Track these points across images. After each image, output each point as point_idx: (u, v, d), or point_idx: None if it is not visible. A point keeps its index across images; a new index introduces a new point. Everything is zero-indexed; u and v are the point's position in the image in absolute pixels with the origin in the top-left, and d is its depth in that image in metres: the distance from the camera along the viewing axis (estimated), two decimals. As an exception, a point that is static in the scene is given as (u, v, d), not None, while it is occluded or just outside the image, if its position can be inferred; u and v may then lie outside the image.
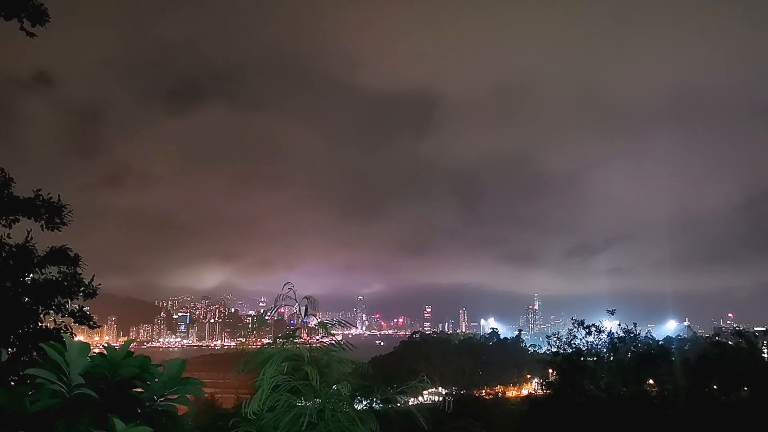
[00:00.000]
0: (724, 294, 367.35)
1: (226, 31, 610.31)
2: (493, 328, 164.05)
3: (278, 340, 7.16)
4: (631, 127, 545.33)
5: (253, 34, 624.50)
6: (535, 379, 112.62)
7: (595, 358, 44.90)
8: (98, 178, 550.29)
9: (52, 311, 14.71)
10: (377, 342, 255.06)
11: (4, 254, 14.23)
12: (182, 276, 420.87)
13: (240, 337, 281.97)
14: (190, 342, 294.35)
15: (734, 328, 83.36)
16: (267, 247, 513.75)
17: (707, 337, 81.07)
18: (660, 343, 48.98)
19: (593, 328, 45.12)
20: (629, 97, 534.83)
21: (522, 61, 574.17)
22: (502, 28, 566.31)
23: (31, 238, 14.49)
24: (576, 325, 45.56)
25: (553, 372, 49.17)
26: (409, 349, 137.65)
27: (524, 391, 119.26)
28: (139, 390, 3.78)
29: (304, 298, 7.17)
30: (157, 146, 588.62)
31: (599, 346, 44.84)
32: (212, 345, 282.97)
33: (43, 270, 14.65)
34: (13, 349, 13.80)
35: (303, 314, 7.20)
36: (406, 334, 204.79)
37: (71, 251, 14.83)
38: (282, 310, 7.79)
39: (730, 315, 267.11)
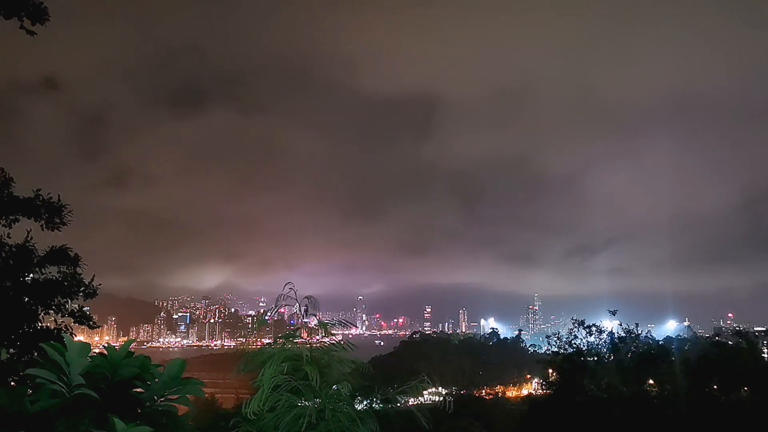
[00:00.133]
0: (724, 294, 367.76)
1: (229, 36, 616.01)
2: (493, 328, 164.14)
3: (278, 340, 7.15)
4: (631, 127, 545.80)
5: (255, 38, 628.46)
6: (535, 379, 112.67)
7: (595, 358, 44.91)
8: (101, 179, 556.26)
9: (52, 311, 14.70)
10: (377, 342, 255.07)
11: (4, 254, 14.23)
12: (183, 276, 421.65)
13: (240, 337, 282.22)
14: (190, 342, 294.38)
15: (734, 328, 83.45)
16: (268, 247, 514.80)
17: (707, 337, 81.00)
18: (660, 343, 48.97)
19: (594, 328, 45.14)
20: (629, 98, 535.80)
21: (522, 62, 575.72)
22: (501, 30, 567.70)
23: (31, 238, 14.49)
24: (576, 325, 45.59)
25: (553, 372, 49.17)
26: (409, 349, 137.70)
27: (524, 391, 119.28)
28: (139, 390, 3.77)
29: (305, 298, 7.18)
30: (160, 148, 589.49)
31: (599, 346, 44.85)
32: (212, 345, 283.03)
33: (43, 270, 14.65)
34: (13, 349, 13.80)
35: (303, 314, 7.20)
36: (406, 334, 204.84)
37: (71, 251, 14.82)
38: (282, 310, 7.79)
39: (730, 315, 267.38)
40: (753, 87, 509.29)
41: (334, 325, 7.47)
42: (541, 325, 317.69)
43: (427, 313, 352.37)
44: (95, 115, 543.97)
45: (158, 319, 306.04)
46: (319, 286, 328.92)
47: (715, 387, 42.73)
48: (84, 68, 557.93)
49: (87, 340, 4.39)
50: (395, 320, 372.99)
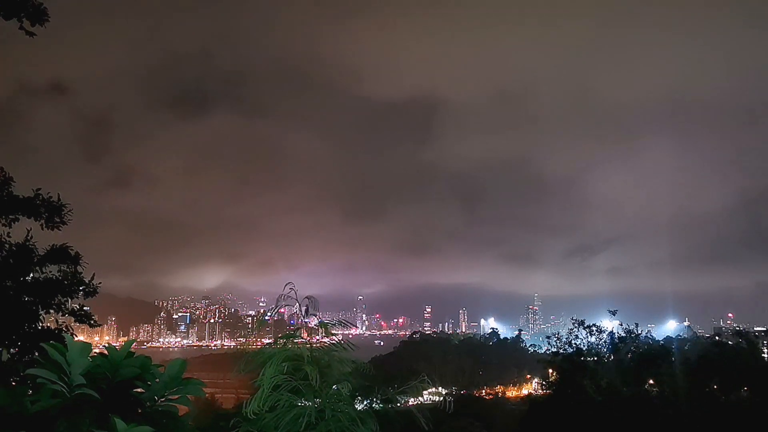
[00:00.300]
0: (724, 294, 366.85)
1: (232, 40, 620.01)
2: (493, 328, 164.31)
3: (279, 341, 7.16)
4: (630, 128, 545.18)
5: (257, 42, 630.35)
6: (535, 379, 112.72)
7: (595, 358, 44.92)
8: (104, 179, 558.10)
9: (52, 310, 14.71)
10: (376, 342, 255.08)
11: (4, 253, 14.23)
12: (184, 276, 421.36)
13: (240, 337, 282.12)
14: (190, 342, 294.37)
15: (734, 328, 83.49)
16: (269, 247, 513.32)
17: (707, 337, 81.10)
18: (660, 343, 49.02)
19: (594, 328, 45.16)
20: (628, 99, 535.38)
21: (522, 65, 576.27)
22: (501, 34, 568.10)
23: (31, 237, 14.49)
24: (576, 325, 45.60)
25: (553, 372, 49.20)
26: (409, 349, 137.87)
27: (524, 391, 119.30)
28: (139, 390, 3.78)
29: (305, 298, 7.18)
30: (163, 149, 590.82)
31: (599, 346, 44.87)
32: (212, 345, 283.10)
33: (43, 269, 14.65)
34: (14, 349, 13.80)
35: (303, 314, 7.20)
36: (406, 334, 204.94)
37: (72, 250, 14.83)
38: (282, 310, 7.80)
39: (730, 315, 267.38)
40: (753, 87, 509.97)
41: (334, 325, 7.47)
42: (541, 325, 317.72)
43: (427, 313, 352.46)
44: (98, 116, 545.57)
45: (158, 319, 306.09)
46: (320, 286, 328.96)
47: (715, 387, 42.74)
48: (87, 71, 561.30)
49: (87, 340, 4.39)
50: (395, 320, 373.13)
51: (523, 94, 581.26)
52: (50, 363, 3.45)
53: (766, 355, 58.37)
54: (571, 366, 43.83)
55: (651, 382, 44.01)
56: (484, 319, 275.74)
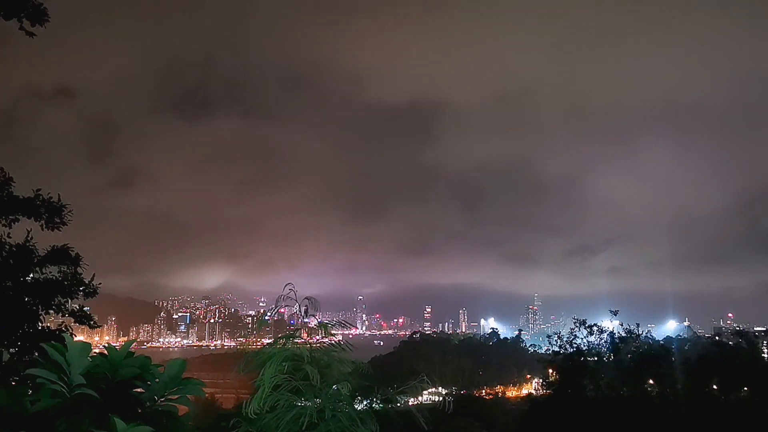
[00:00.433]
0: (724, 294, 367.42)
1: (236, 45, 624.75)
2: (493, 328, 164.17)
3: (279, 341, 7.16)
4: (630, 129, 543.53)
5: (261, 46, 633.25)
6: (535, 379, 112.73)
7: (595, 358, 44.91)
8: (108, 181, 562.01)
9: (52, 311, 14.71)
10: (376, 342, 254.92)
11: (4, 254, 14.23)
12: (185, 276, 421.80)
13: (240, 337, 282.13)
14: (190, 342, 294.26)
15: (734, 328, 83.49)
16: (270, 247, 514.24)
17: (707, 337, 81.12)
18: (660, 343, 49.02)
19: (594, 328, 45.15)
20: (628, 100, 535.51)
21: (521, 68, 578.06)
22: (501, 38, 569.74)
23: (32, 238, 14.49)
24: (577, 324, 45.59)
25: (553, 372, 49.20)
26: (409, 349, 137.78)
27: (524, 391, 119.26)
28: (139, 390, 3.78)
29: (305, 299, 7.18)
30: (165, 151, 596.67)
31: (600, 346, 44.86)
32: (212, 345, 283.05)
33: (43, 269, 14.65)
34: (14, 349, 13.80)
35: (303, 315, 7.20)
36: (406, 334, 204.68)
37: (72, 251, 14.82)
38: (282, 310, 7.80)
39: (730, 315, 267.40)
40: (752, 88, 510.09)
41: (333, 325, 7.48)
42: (541, 325, 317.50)
43: (427, 313, 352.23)
44: (101, 118, 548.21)
45: (158, 319, 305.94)
46: (320, 286, 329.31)
47: (715, 387, 42.74)
48: (92, 74, 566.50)
49: (87, 340, 4.40)
50: (395, 320, 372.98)
51: (522, 96, 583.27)
52: (50, 363, 3.46)
53: (766, 355, 58.37)
54: (571, 366, 43.83)
55: (651, 382, 44.03)
56: (484, 319, 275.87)
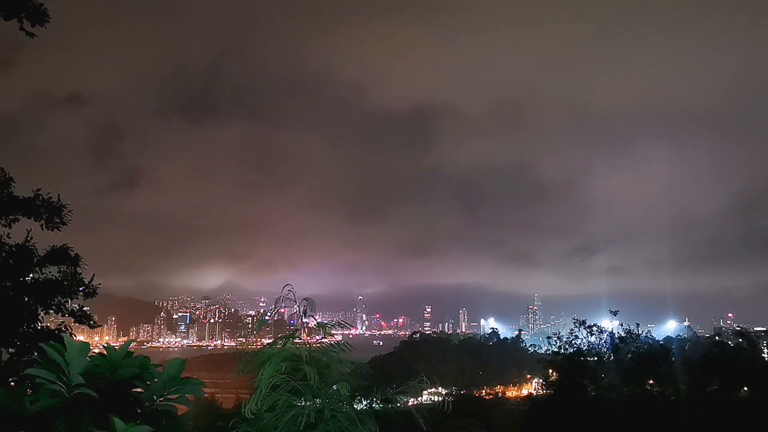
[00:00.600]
0: (724, 294, 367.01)
1: (242, 50, 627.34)
2: (493, 328, 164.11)
3: (278, 341, 7.17)
4: (630, 131, 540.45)
5: (265, 51, 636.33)
6: (536, 379, 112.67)
7: (595, 358, 44.89)
8: (110, 182, 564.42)
9: (52, 311, 14.71)
10: (375, 342, 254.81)
11: (4, 254, 14.23)
12: (186, 276, 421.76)
13: (240, 337, 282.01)
14: (190, 342, 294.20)
15: (734, 328, 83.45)
16: (271, 248, 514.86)
17: (707, 337, 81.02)
18: (660, 343, 48.97)
19: (594, 328, 45.13)
20: (627, 102, 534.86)
21: (520, 73, 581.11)
22: (500, 44, 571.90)
23: (31, 238, 14.49)
24: (577, 324, 45.57)
25: (553, 372, 49.17)
26: (409, 350, 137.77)
27: (524, 391, 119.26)
28: (138, 390, 3.79)
29: (303, 299, 7.19)
30: (169, 153, 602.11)
31: (600, 346, 44.84)
32: (212, 345, 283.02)
33: (43, 270, 14.65)
34: (13, 349, 13.80)
35: (302, 315, 7.21)
36: (406, 334, 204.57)
37: (72, 251, 14.82)
38: (282, 310, 7.81)
39: (730, 315, 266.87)
40: (752, 88, 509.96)
41: (333, 326, 7.47)
42: (541, 325, 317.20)
43: (427, 313, 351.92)
44: (107, 122, 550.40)
45: (158, 319, 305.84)
46: (321, 286, 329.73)
47: (715, 387, 42.72)
48: (97, 78, 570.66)
49: (87, 340, 4.40)
50: (395, 320, 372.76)
51: (523, 99, 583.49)
52: (49, 363, 3.46)
53: (766, 355, 58.37)
54: (571, 366, 43.81)
55: (651, 382, 44.01)
56: (484, 319, 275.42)
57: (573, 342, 45.12)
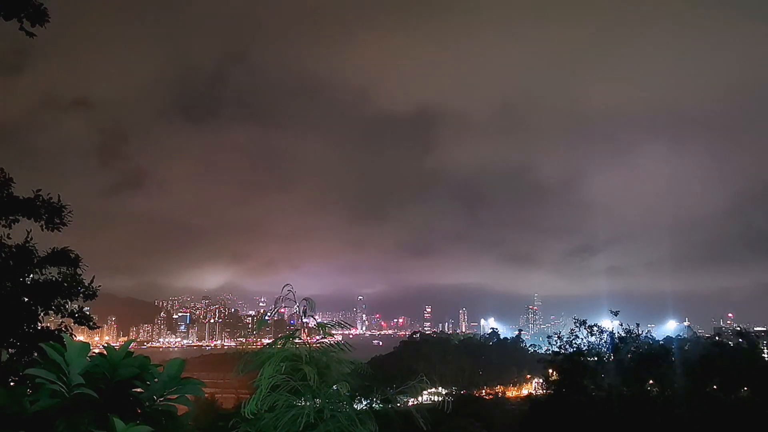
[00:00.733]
0: (724, 294, 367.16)
1: (245, 54, 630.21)
2: (493, 328, 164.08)
3: (278, 341, 7.16)
4: (629, 132, 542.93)
5: (267, 54, 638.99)
6: (535, 379, 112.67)
7: (595, 358, 44.86)
8: (113, 183, 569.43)
9: (51, 312, 14.70)
10: (374, 342, 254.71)
11: (4, 254, 14.22)
12: (186, 277, 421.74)
13: (240, 337, 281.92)
14: (190, 342, 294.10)
15: (734, 328, 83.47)
16: (272, 248, 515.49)
17: (707, 337, 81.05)
18: (660, 343, 48.93)
19: (594, 328, 45.10)
20: (627, 103, 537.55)
21: (520, 76, 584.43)
22: (500, 47, 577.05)
23: (31, 239, 14.48)
24: (577, 324, 45.54)
25: (553, 372, 49.15)
26: (409, 350, 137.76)
27: (524, 391, 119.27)
28: (138, 390, 3.79)
29: (303, 300, 7.19)
30: (171, 155, 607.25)
31: (600, 346, 44.81)
32: (212, 345, 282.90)
33: (43, 270, 14.64)
34: (13, 349, 13.80)
35: (302, 315, 7.21)
36: (406, 334, 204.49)
37: (72, 252, 14.81)
38: (282, 310, 7.81)
39: (730, 315, 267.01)
40: (751, 89, 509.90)
41: (332, 326, 7.47)
42: (541, 325, 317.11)
43: (427, 313, 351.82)
44: (112, 124, 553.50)
45: (158, 319, 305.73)
46: (321, 287, 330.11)
47: (715, 387, 42.71)
48: (102, 80, 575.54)
49: (87, 341, 4.40)
50: (395, 320, 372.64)
51: (522, 102, 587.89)
52: (49, 363, 3.46)
53: (766, 355, 58.34)
54: (571, 366, 43.77)
55: (651, 382, 43.99)
56: (484, 319, 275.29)
57: (573, 342, 45.07)
